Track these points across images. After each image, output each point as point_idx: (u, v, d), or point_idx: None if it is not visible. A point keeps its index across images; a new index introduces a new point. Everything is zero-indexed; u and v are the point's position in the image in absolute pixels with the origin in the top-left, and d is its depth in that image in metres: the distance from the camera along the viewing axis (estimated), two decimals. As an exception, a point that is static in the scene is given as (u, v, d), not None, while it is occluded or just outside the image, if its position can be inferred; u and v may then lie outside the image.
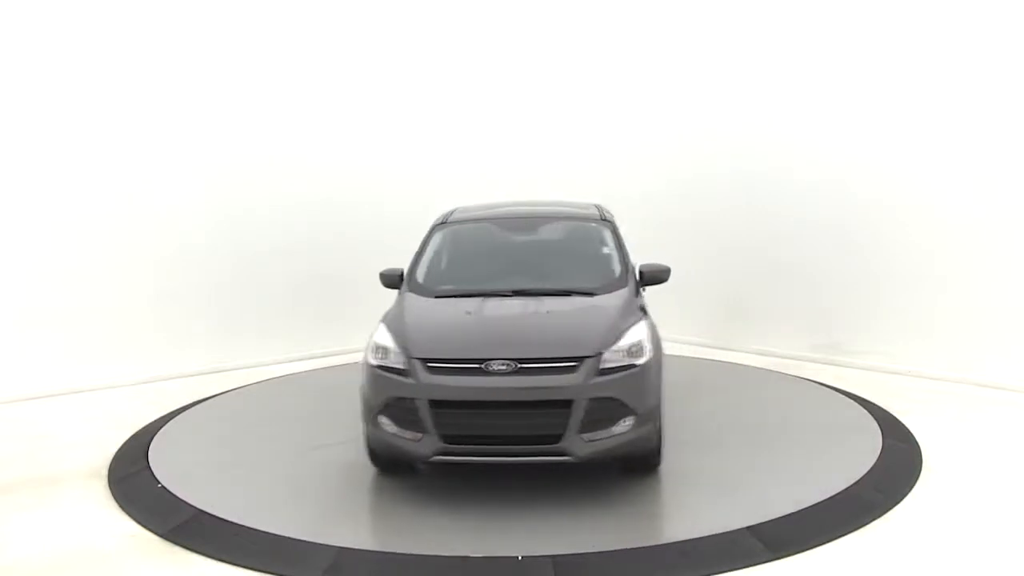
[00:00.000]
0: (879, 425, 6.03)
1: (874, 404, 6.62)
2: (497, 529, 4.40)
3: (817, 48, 8.37)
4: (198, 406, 7.10)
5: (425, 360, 4.70)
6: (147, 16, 8.12)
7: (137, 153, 8.13)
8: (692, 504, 4.75)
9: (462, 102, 10.15)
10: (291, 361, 8.63)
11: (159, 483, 5.16)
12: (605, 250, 5.91)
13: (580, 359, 4.61)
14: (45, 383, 7.54)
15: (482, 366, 4.59)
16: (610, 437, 4.59)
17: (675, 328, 8.39)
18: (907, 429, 5.97)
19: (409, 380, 4.68)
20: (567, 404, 4.51)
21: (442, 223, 6.38)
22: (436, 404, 4.57)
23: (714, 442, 5.91)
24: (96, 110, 7.88)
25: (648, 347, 4.87)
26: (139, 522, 4.62)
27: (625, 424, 4.62)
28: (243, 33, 8.71)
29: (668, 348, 8.22)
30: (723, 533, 4.23)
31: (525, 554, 4.06)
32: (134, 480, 5.29)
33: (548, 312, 5.08)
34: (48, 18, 7.59)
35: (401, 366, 4.74)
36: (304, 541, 4.27)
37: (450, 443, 4.57)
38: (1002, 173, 7.15)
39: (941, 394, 7.01)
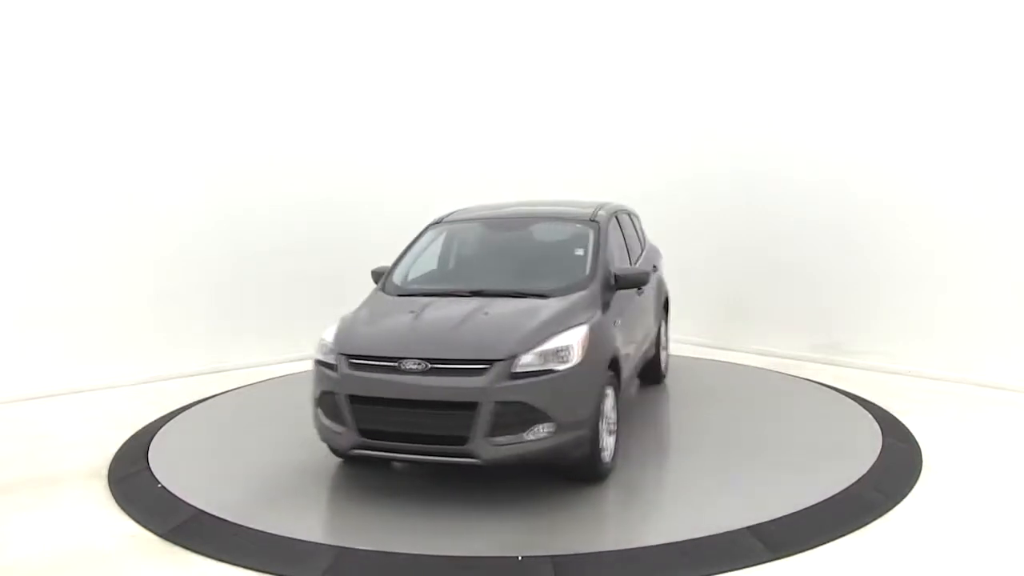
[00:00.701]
0: (879, 425, 6.03)
1: (874, 404, 6.62)
2: (497, 529, 4.40)
3: (817, 48, 8.37)
4: (198, 406, 7.10)
5: (348, 356, 4.84)
6: (147, 16, 8.11)
7: (137, 153, 8.13)
8: (692, 504, 4.74)
9: (463, 102, 10.16)
10: (291, 361, 8.62)
11: (159, 483, 5.16)
12: (579, 252, 5.79)
13: (490, 362, 4.55)
14: (45, 383, 7.54)
15: (397, 364, 4.67)
16: (521, 443, 4.51)
17: (675, 328, 8.41)
18: (907, 429, 5.97)
19: (335, 375, 4.85)
20: (473, 406, 4.48)
21: (435, 222, 6.51)
22: (353, 399, 4.71)
23: (713, 442, 5.91)
24: (96, 110, 7.88)
25: (578, 352, 4.70)
26: (139, 522, 4.61)
27: (541, 430, 4.53)
28: (243, 33, 8.71)
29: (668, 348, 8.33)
30: (723, 533, 4.22)
31: (525, 554, 4.05)
32: (134, 480, 5.28)
33: (486, 314, 4.99)
34: (48, 18, 7.59)
35: (331, 361, 4.90)
36: (304, 541, 4.27)
37: (366, 437, 4.70)
38: (1002, 173, 7.15)
39: (941, 394, 7.01)
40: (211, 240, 8.58)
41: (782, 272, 8.76)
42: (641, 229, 7.37)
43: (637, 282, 5.72)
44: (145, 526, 4.56)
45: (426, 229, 6.44)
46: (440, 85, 10.01)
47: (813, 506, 4.54)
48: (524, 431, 4.51)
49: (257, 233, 8.82)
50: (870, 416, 6.28)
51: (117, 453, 5.83)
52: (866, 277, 8.10)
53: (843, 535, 4.22)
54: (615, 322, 5.40)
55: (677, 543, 4.14)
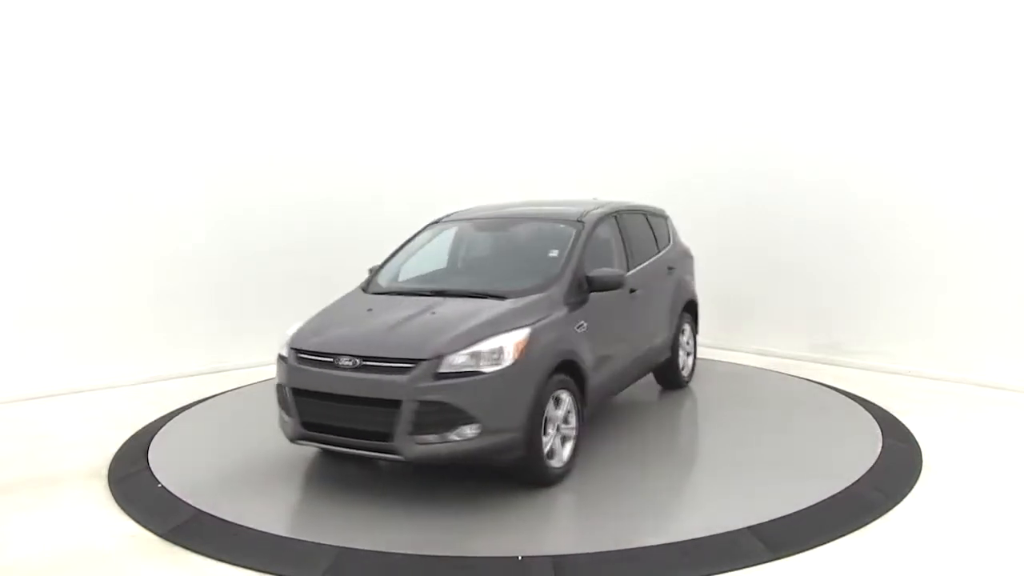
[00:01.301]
0: (879, 425, 6.03)
1: (874, 404, 6.62)
2: (497, 529, 4.40)
3: (817, 48, 8.37)
4: (198, 406, 7.10)
5: (297, 351, 5.06)
6: (147, 16, 8.12)
7: (137, 153, 8.13)
8: (692, 504, 4.75)
9: (464, 102, 10.16)
10: (291, 361, 8.62)
11: (159, 483, 5.16)
12: (553, 253, 5.69)
13: (415, 361, 4.60)
14: (45, 383, 7.54)
15: (333, 360, 4.82)
16: (445, 443, 4.53)
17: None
18: (907, 429, 5.97)
19: (284, 367, 5.11)
20: (396, 404, 4.55)
21: (434, 223, 6.62)
22: (296, 392, 4.95)
23: (713, 442, 5.92)
24: (96, 110, 7.88)
25: (511, 355, 4.66)
26: (139, 522, 4.61)
27: (467, 431, 4.53)
28: (243, 33, 8.72)
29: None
30: (723, 533, 4.22)
31: (525, 554, 4.05)
32: (134, 480, 5.28)
33: (434, 313, 5.05)
34: (48, 18, 7.59)
35: (285, 354, 5.15)
36: (304, 541, 4.27)
37: (307, 429, 4.92)
38: (1002, 173, 7.16)
39: (941, 394, 7.01)
40: (211, 240, 8.58)
41: (782, 272, 8.76)
42: (667, 229, 7.30)
43: (611, 285, 5.53)
44: (145, 526, 4.56)
45: (422, 229, 6.55)
46: (442, 85, 10.01)
47: (813, 506, 4.54)
48: (448, 431, 4.53)
49: (257, 233, 8.82)
50: (870, 416, 6.28)
51: (117, 453, 5.83)
52: (866, 277, 8.10)
53: (843, 535, 4.22)
54: (579, 325, 5.30)
55: (677, 543, 4.14)
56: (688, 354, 7.42)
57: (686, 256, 7.51)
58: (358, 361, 4.74)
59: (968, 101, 7.32)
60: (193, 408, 7.03)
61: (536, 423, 4.74)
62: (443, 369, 4.57)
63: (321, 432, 4.87)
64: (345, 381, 4.74)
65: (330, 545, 4.19)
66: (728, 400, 7.04)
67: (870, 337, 8.11)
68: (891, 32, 7.80)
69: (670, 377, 7.19)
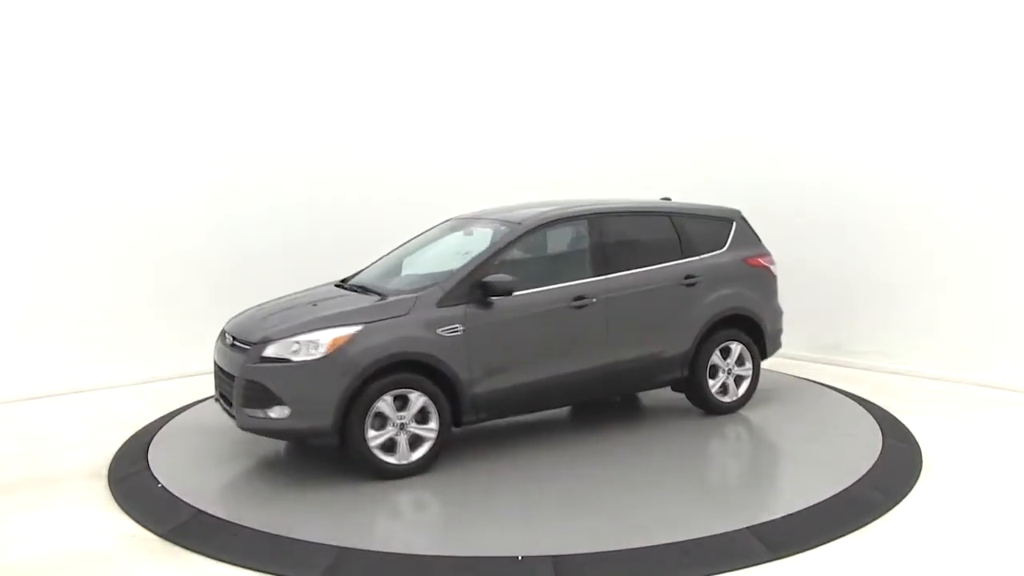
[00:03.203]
0: (879, 425, 6.03)
1: (874, 404, 6.62)
2: (497, 529, 4.40)
3: (817, 49, 8.37)
4: (198, 406, 7.10)
5: (224, 329, 5.74)
6: (147, 16, 8.12)
7: (137, 153, 8.13)
8: (692, 504, 4.74)
9: (465, 101, 10.12)
10: (291, 361, 8.61)
11: (159, 483, 5.16)
12: (465, 254, 5.70)
13: (251, 344, 5.17)
14: (45, 383, 7.54)
15: (225, 338, 5.56)
16: (267, 419, 5.04)
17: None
18: (907, 429, 5.97)
19: None
20: (233, 379, 5.18)
21: (444, 222, 6.69)
22: (215, 364, 5.66)
23: (714, 442, 5.92)
24: (96, 110, 7.88)
25: (322, 349, 4.98)
26: (139, 522, 4.62)
27: (281, 411, 4.97)
28: (243, 33, 8.71)
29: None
30: (723, 533, 4.22)
31: (525, 554, 4.06)
32: (134, 480, 5.29)
33: (314, 305, 5.56)
34: (48, 18, 7.59)
35: None
36: (304, 541, 4.27)
37: (219, 394, 5.63)
38: (1002, 173, 7.15)
39: (941, 394, 7.01)
40: (211, 240, 8.58)
41: (782, 272, 8.73)
42: (725, 235, 6.60)
43: (500, 291, 5.34)
44: (145, 526, 4.56)
45: (430, 228, 6.67)
46: (443, 85, 9.98)
47: (813, 506, 4.54)
48: (266, 408, 5.01)
49: (257, 233, 8.82)
50: (870, 416, 6.28)
51: (117, 453, 5.84)
52: (866, 277, 8.10)
53: (843, 535, 4.22)
54: (451, 328, 5.21)
55: (677, 543, 4.14)
56: (741, 379, 6.46)
57: (743, 266, 6.59)
58: (231, 340, 5.40)
59: (968, 102, 7.32)
60: (193, 408, 7.03)
61: (352, 415, 4.98)
62: (266, 353, 5.06)
63: (221, 398, 5.56)
64: (223, 356, 5.48)
65: (330, 545, 4.20)
66: (728, 400, 7.02)
67: (870, 337, 8.11)
68: (891, 33, 7.80)
69: (699, 400, 6.35)
